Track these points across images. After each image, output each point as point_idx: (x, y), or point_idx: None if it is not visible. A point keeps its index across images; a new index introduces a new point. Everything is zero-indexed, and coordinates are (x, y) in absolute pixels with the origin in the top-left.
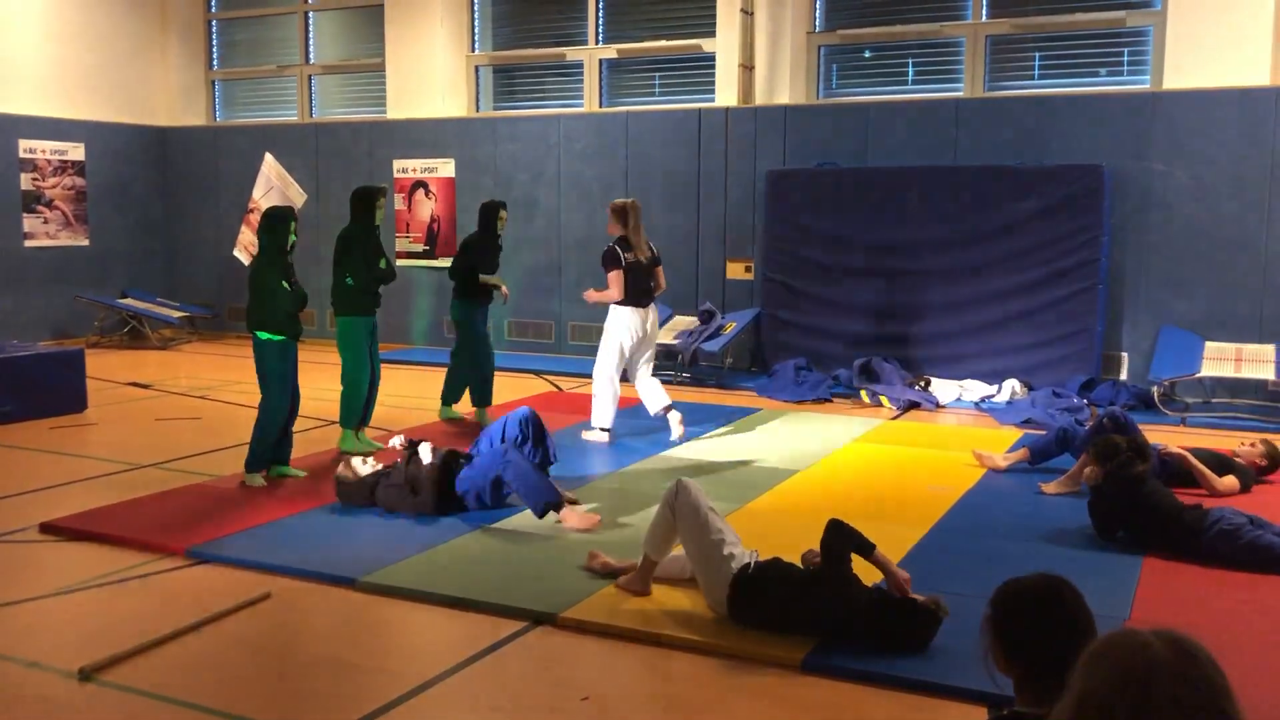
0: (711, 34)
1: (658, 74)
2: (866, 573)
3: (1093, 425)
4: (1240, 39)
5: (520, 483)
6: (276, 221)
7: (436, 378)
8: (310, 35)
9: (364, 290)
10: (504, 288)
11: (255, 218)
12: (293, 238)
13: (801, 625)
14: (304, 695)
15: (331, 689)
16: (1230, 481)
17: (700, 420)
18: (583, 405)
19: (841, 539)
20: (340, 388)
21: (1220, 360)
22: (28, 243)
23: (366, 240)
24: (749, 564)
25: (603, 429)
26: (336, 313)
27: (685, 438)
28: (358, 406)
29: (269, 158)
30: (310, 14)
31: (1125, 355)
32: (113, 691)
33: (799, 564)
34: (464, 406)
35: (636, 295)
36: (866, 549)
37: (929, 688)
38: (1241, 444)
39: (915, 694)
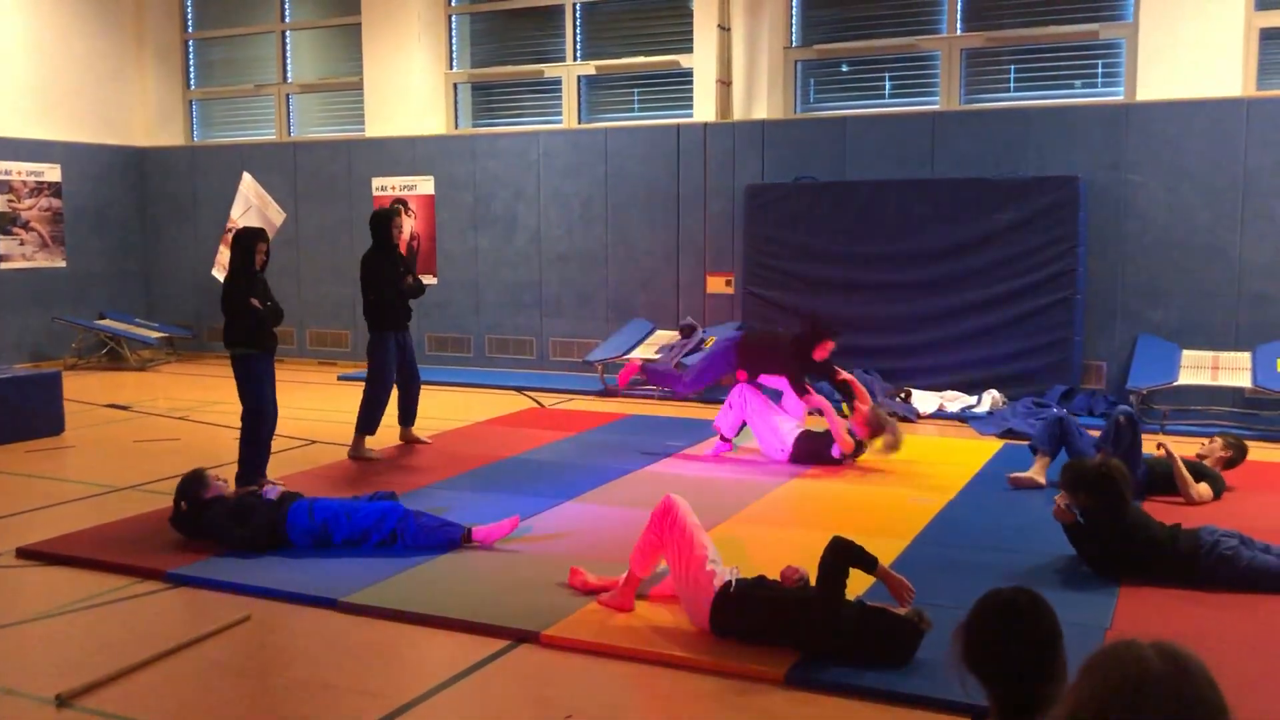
0: (689, 50)
1: (636, 90)
2: (854, 581)
3: (1109, 426)
4: (1211, 50)
5: (421, 529)
6: (246, 241)
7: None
8: (288, 54)
9: (391, 306)
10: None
11: None
12: (262, 257)
13: (786, 642)
14: (286, 718)
15: (313, 711)
16: (1204, 489)
17: (683, 435)
18: (565, 421)
19: (842, 558)
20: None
21: (1197, 368)
22: (3, 265)
23: (388, 261)
24: (730, 582)
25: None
26: (369, 328)
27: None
28: (375, 415)
29: (247, 177)
30: (288, 33)
31: (1104, 364)
32: (91, 718)
33: (780, 579)
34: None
35: None
36: (869, 565)
37: (912, 700)
38: (1202, 444)
39: (898, 706)
